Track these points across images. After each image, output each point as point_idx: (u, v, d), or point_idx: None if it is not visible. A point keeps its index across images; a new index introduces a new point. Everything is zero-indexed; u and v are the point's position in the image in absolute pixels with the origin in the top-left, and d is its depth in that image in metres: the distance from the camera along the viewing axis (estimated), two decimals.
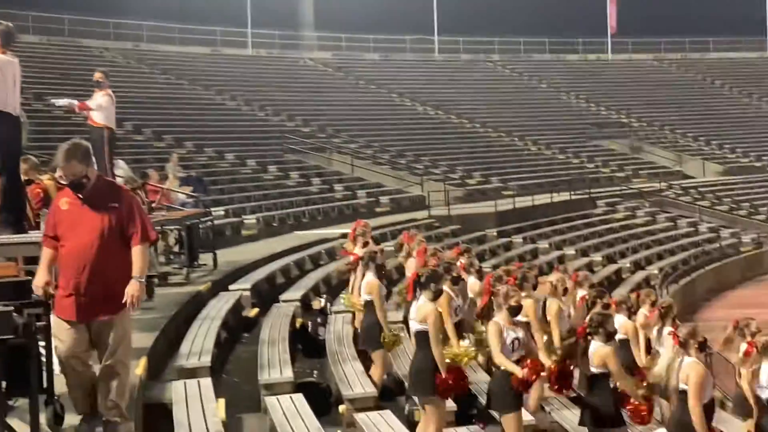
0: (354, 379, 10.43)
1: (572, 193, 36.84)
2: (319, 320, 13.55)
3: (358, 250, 12.60)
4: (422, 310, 8.51)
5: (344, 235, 23.61)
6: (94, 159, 6.72)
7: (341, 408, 10.02)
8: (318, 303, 14.75)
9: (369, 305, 11.03)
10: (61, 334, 6.62)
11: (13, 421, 6.51)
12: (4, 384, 6.51)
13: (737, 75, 61.09)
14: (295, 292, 15.37)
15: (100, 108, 13.57)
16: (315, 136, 39.49)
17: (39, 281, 6.60)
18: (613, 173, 44.97)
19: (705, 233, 38.84)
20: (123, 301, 6.56)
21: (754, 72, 61.65)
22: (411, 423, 9.90)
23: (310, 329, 13.40)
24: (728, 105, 57.15)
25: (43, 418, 6.57)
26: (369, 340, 11.07)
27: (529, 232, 30.98)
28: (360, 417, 9.20)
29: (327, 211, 29.26)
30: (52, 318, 6.68)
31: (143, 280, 6.69)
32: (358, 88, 49.69)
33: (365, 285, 11.07)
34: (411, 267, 12.54)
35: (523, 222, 31.49)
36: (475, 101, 50.05)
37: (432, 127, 46.06)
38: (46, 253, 6.77)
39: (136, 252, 6.65)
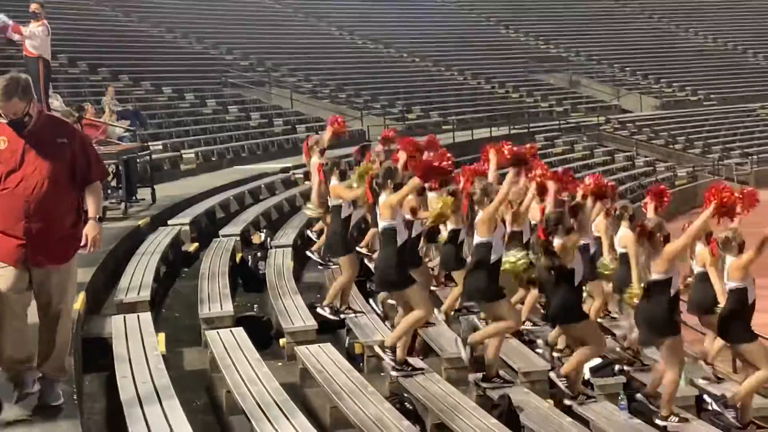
0: (294, 313, 10.50)
1: (511, 127, 37.03)
2: (258, 254, 13.58)
3: (317, 160, 12.64)
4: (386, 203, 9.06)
5: (284, 170, 23.62)
6: (34, 93, 6.20)
7: (281, 341, 10.10)
8: (258, 237, 14.76)
9: (336, 210, 11.32)
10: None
11: None
12: None
13: (676, 9, 61.51)
14: (235, 227, 15.33)
15: (34, 37, 13.30)
16: (254, 69, 39.11)
17: None
18: (551, 108, 45.26)
19: (641, 167, 39.43)
20: (81, 244, 6.17)
21: (694, 6, 62.14)
22: (351, 356, 10.04)
23: (250, 263, 13.43)
24: (667, 39, 57.58)
25: None
26: (332, 247, 11.44)
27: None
28: (300, 350, 9.29)
29: (266, 145, 29.09)
30: None
31: (102, 218, 6.38)
32: (297, 21, 49.15)
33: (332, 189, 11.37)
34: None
35: (463, 156, 31.60)
36: (414, 35, 49.84)
37: (372, 62, 45.84)
38: None
39: (91, 190, 6.19)
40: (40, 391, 6.12)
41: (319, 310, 10.79)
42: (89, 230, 6.16)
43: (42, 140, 6.03)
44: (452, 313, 11.34)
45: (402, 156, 11.16)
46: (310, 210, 13.12)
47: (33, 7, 13.68)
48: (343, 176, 11.44)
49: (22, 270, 5.97)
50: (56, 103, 16.45)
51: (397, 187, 9.12)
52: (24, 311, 6.08)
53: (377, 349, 9.35)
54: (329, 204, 11.76)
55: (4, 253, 5.96)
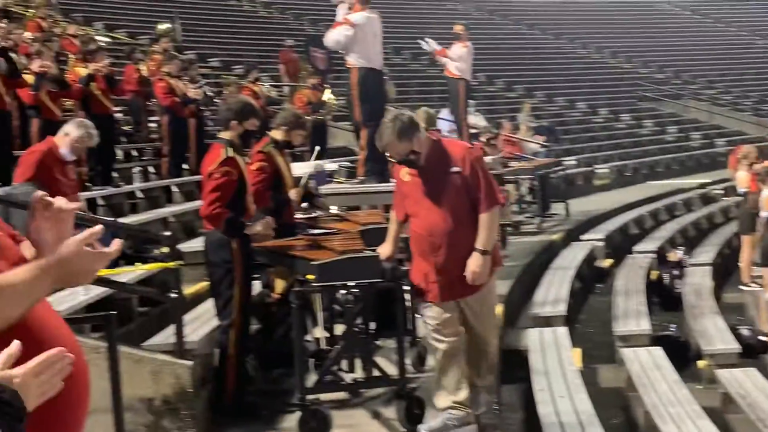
0: (715, 334, 10.04)
1: None
2: (675, 273, 13.17)
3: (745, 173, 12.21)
4: None
5: (702, 185, 22.81)
6: (417, 131, 5.99)
7: (700, 363, 9.70)
8: (674, 255, 14.33)
9: None
10: (430, 310, 6.19)
11: (380, 360, 6.85)
12: (373, 325, 6.87)
13: None
14: (650, 244, 15.00)
15: (459, 59, 13.87)
16: (670, 82, 38.11)
17: (384, 252, 6.26)
18: None
19: None
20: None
21: None
22: None
23: (665, 281, 13.06)
24: None
25: (407, 360, 6.85)
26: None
27: None
28: (721, 373, 8.85)
29: (683, 160, 28.24)
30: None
31: (488, 251, 5.92)
32: (716, 31, 47.27)
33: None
34: None
35: None
36: None
37: None
38: (394, 224, 6.33)
39: (483, 219, 5.90)
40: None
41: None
42: (471, 262, 5.90)
43: (436, 173, 5.99)
44: None
45: None
46: None
47: (457, 28, 14.27)
48: None
49: (449, 305, 6.08)
50: (475, 119, 17.04)
51: None
52: (455, 337, 6.15)
53: None
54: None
55: (430, 293, 6.09)
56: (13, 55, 11.72)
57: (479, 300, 6.10)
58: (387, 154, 6.13)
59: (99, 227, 2.44)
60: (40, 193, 2.41)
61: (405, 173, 6.11)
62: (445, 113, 16.74)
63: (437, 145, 6.10)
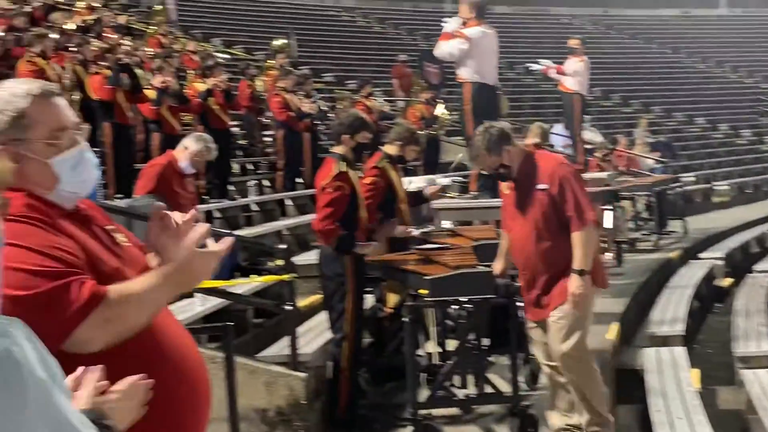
0: None
1: None
2: None
3: None
4: None
5: None
6: (508, 143, 5.88)
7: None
8: None
9: None
10: (531, 332, 6.22)
11: (493, 377, 6.79)
12: (486, 341, 6.82)
13: None
14: None
15: (575, 74, 13.73)
16: None
17: (496, 267, 6.29)
18: None
19: None
20: (562, 301, 5.78)
21: None
22: None
23: None
24: None
25: (520, 377, 6.77)
26: None
27: None
28: None
29: None
30: None
31: (584, 271, 5.72)
32: None
33: None
34: None
35: None
36: None
37: None
38: (504, 239, 6.28)
39: (574, 239, 5.70)
40: None
41: None
42: (570, 284, 5.72)
43: (525, 188, 5.90)
44: None
45: None
46: None
47: (573, 42, 14.12)
48: None
49: (541, 328, 5.98)
50: (590, 135, 16.83)
51: None
52: (553, 369, 6.06)
53: None
54: None
55: (526, 309, 6.05)
56: (138, 71, 12.07)
57: (552, 324, 5.89)
58: (478, 167, 6.07)
59: (230, 239, 2.54)
60: (159, 204, 2.49)
61: (505, 187, 6.07)
62: (559, 128, 16.57)
63: (529, 159, 5.95)
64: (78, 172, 2.53)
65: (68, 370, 1.80)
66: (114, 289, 2.35)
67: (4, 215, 1.82)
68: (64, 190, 2.51)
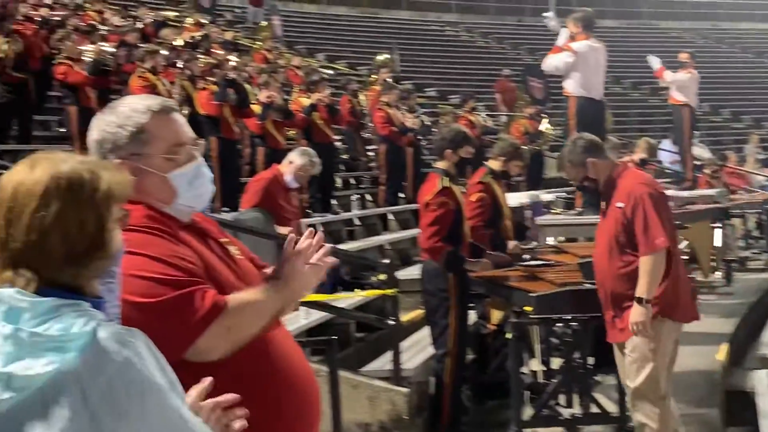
0: None
1: None
2: None
3: None
4: None
5: None
6: (594, 156, 5.65)
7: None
8: None
9: None
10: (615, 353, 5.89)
11: (599, 397, 6.67)
12: (592, 360, 6.70)
13: None
14: None
15: (677, 83, 13.49)
16: None
17: None
18: None
19: None
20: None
21: None
22: None
23: None
24: None
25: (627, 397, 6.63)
26: None
27: None
28: None
29: None
30: None
31: (643, 300, 5.36)
32: None
33: None
34: None
35: None
36: None
37: None
38: None
39: (640, 264, 5.38)
40: None
41: None
42: (631, 314, 5.40)
43: (607, 204, 5.66)
44: None
45: None
46: None
47: (682, 56, 13.91)
48: None
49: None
50: (699, 151, 16.47)
51: None
52: None
53: None
54: None
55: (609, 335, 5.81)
56: (247, 86, 12.27)
57: (626, 357, 5.60)
58: (567, 178, 5.91)
59: (332, 259, 2.61)
60: (292, 236, 2.57)
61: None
62: (666, 144, 16.26)
63: (615, 174, 5.68)
64: (195, 186, 2.58)
65: (182, 378, 1.81)
66: (233, 299, 2.40)
67: (125, 226, 1.85)
68: (182, 203, 2.56)
